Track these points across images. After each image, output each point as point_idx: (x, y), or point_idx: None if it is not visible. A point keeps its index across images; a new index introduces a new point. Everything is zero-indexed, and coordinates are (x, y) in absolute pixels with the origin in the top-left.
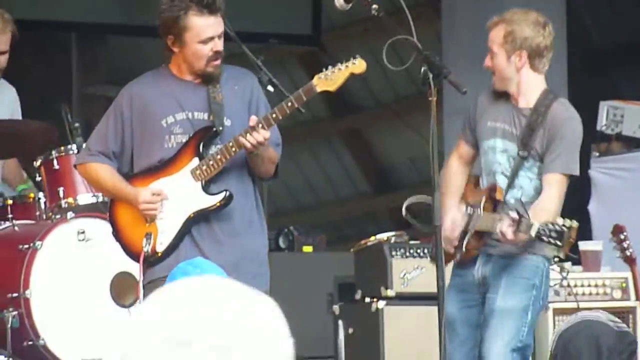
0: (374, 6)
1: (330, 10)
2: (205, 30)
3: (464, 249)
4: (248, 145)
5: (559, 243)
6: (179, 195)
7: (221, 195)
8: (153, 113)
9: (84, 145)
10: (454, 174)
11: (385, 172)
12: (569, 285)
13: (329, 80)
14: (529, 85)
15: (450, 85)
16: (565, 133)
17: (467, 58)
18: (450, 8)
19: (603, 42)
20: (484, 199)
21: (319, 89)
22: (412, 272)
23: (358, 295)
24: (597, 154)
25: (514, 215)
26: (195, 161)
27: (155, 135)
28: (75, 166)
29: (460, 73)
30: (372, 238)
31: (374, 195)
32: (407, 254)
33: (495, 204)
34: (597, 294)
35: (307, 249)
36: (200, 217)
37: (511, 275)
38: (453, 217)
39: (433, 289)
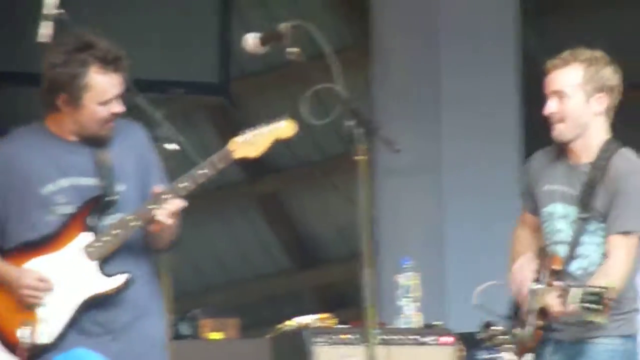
0: (293, 50)
1: (242, 55)
2: (108, 91)
3: (528, 330)
4: (162, 218)
5: (595, 307)
6: (66, 276)
7: (121, 278)
8: (29, 179)
9: None
10: (522, 239)
11: (308, 244)
12: None
13: (250, 144)
14: (598, 134)
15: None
16: (628, 187)
17: (401, 104)
18: (382, 52)
19: None
20: (548, 273)
21: (236, 156)
22: None
23: None
24: None
25: (560, 284)
26: (86, 236)
27: (32, 205)
28: None
29: (395, 124)
30: (292, 322)
31: (297, 271)
32: (334, 340)
33: (557, 277)
34: None
35: (216, 335)
36: (94, 303)
37: None
38: (521, 264)
39: None
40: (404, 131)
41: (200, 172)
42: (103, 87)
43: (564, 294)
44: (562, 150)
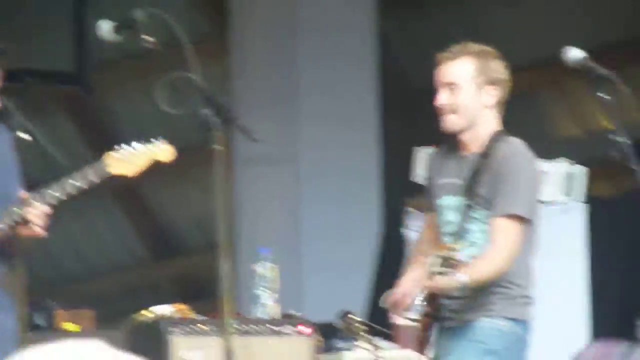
0: (148, 38)
1: (98, 44)
2: None
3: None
4: (35, 219)
5: (445, 270)
6: None
7: None
8: None
9: None
10: (420, 244)
11: (166, 235)
12: None
13: (126, 162)
14: (488, 126)
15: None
16: (510, 170)
17: (261, 97)
18: (240, 43)
19: (421, 81)
20: (438, 262)
21: (113, 172)
22: (195, 352)
23: None
24: (412, 210)
25: (441, 254)
26: None
27: None
28: None
29: (254, 115)
30: (148, 313)
31: (154, 263)
32: (190, 331)
33: (448, 266)
34: None
35: (71, 326)
36: None
37: (463, 339)
38: (406, 280)
39: None
40: (262, 121)
41: (72, 182)
42: None
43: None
44: (454, 144)
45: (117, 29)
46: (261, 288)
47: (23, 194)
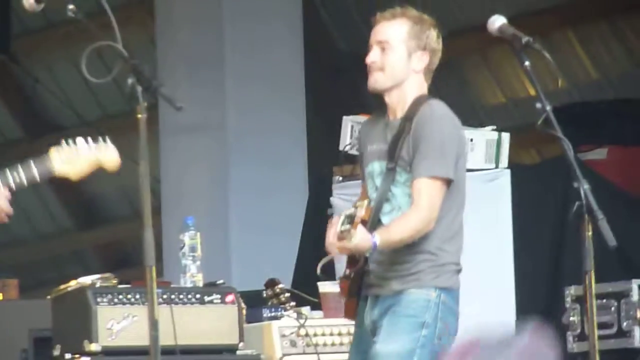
0: (70, 6)
1: (23, 12)
2: None
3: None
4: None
5: (348, 227)
6: None
7: None
8: None
9: None
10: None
11: (90, 204)
12: (307, 335)
13: (70, 164)
14: (413, 91)
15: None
16: (429, 132)
17: (187, 63)
18: (165, 7)
19: (349, 45)
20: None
21: (57, 173)
22: (121, 321)
23: (57, 351)
24: (340, 177)
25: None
26: None
27: None
28: None
29: (180, 81)
30: (73, 282)
31: (79, 231)
32: (116, 300)
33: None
34: (342, 344)
35: None
36: None
37: (394, 314)
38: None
39: (147, 341)
40: (187, 86)
41: (16, 176)
42: None
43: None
44: (383, 111)
45: None
46: (187, 257)
47: None
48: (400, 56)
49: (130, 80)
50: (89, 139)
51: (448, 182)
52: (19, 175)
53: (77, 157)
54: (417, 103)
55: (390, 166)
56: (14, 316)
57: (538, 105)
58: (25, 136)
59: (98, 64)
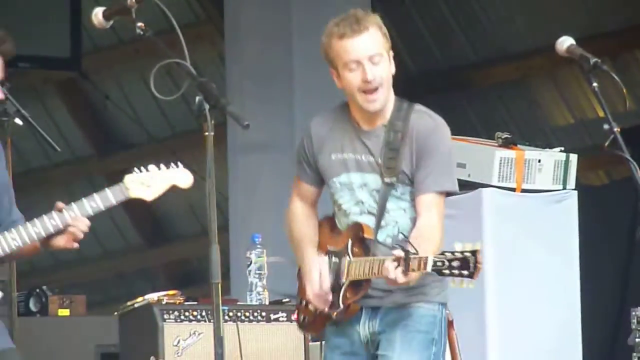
0: (139, 24)
1: (93, 30)
2: None
3: (341, 305)
4: (80, 235)
5: (465, 272)
6: None
7: None
8: None
9: None
10: (304, 219)
11: (160, 221)
12: None
13: (145, 186)
14: (392, 95)
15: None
16: (434, 145)
17: (255, 81)
18: (233, 26)
19: (417, 67)
20: (350, 243)
21: (132, 195)
22: (187, 338)
23: None
24: None
25: (399, 253)
26: None
27: None
28: None
29: (247, 99)
30: (140, 299)
31: (147, 249)
32: (182, 317)
33: (365, 246)
34: None
35: (63, 312)
36: None
37: (407, 329)
38: (320, 270)
39: (212, 358)
40: (256, 107)
41: (93, 204)
42: None
43: (402, 263)
44: (342, 116)
45: (107, 16)
46: (255, 275)
47: (59, 204)
48: (388, 65)
49: (197, 98)
50: (162, 165)
51: (451, 194)
52: (96, 203)
53: (150, 180)
54: (400, 109)
55: (389, 181)
56: (81, 332)
57: (606, 126)
58: (95, 153)
59: (167, 82)
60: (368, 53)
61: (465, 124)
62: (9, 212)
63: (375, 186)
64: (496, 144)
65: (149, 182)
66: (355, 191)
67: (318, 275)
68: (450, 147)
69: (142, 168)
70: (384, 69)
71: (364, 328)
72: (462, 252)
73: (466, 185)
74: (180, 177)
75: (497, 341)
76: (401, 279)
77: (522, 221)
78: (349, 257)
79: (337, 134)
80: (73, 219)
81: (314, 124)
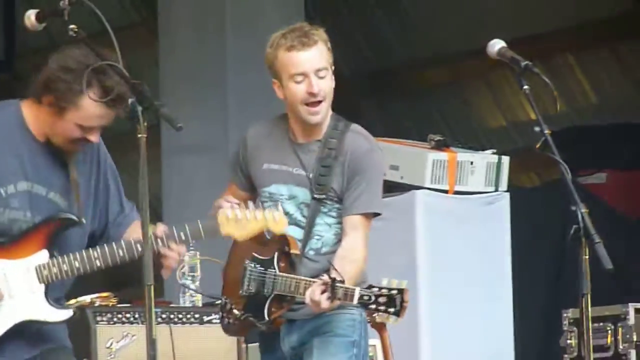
0: (71, 26)
1: (27, 32)
2: (92, 120)
3: (266, 317)
4: (173, 264)
5: (391, 310)
6: (15, 290)
7: (68, 313)
8: None
9: None
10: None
11: None
12: None
13: (239, 224)
14: (329, 111)
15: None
16: (367, 167)
17: (190, 84)
18: (168, 29)
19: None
20: (276, 255)
21: (223, 232)
22: (120, 340)
23: None
24: None
25: (326, 279)
26: (44, 255)
27: None
28: None
29: (183, 102)
30: (73, 300)
31: None
32: (115, 319)
33: (292, 262)
34: None
35: None
36: (29, 328)
37: (324, 335)
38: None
39: None
40: (190, 109)
41: (182, 234)
42: (89, 114)
43: (328, 289)
44: (279, 127)
45: (40, 18)
46: (186, 276)
47: (159, 230)
48: (331, 80)
49: (130, 100)
50: (260, 204)
51: (377, 216)
52: (185, 233)
53: (244, 219)
54: (336, 127)
55: (319, 197)
56: None
57: (537, 128)
58: None
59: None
60: (315, 66)
61: (398, 125)
62: (113, 213)
63: (304, 200)
64: (429, 146)
65: (242, 222)
66: (284, 203)
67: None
68: (381, 170)
69: (241, 204)
70: (327, 83)
71: (285, 344)
72: (389, 289)
73: (399, 187)
74: (275, 223)
75: (429, 342)
76: (325, 304)
77: (454, 223)
78: (276, 271)
79: (272, 144)
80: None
81: (250, 132)
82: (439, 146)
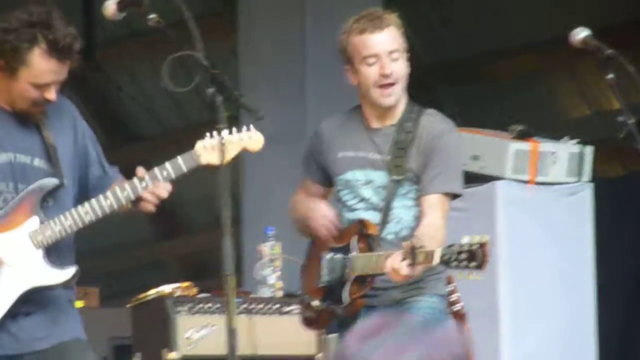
0: (152, 16)
1: (106, 21)
2: (44, 76)
3: (347, 299)
4: (152, 203)
5: (473, 264)
6: (14, 260)
7: (71, 272)
8: None
9: None
10: (306, 197)
11: (172, 213)
12: None
13: (216, 150)
14: (404, 96)
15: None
16: (444, 147)
17: (268, 77)
18: (248, 20)
19: (430, 59)
20: (355, 239)
21: (203, 161)
22: (200, 330)
23: (137, 359)
24: None
25: (407, 245)
26: (35, 221)
27: None
28: None
29: (260, 94)
30: (153, 291)
31: (159, 241)
32: (195, 309)
33: (370, 243)
34: None
35: (77, 304)
36: (37, 294)
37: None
38: (322, 206)
39: (225, 350)
40: (269, 99)
41: (165, 173)
42: (41, 70)
43: (409, 256)
44: (353, 116)
45: (120, 7)
46: (267, 268)
47: (140, 170)
48: (405, 64)
49: (210, 90)
50: (234, 128)
51: (457, 197)
52: (167, 171)
53: (222, 146)
54: (411, 111)
55: (397, 178)
56: (94, 324)
57: (620, 118)
58: (107, 145)
59: (181, 74)
60: (388, 48)
61: (479, 115)
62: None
63: (381, 183)
64: (511, 136)
65: (219, 147)
66: (361, 188)
67: (324, 206)
68: (459, 151)
69: (213, 133)
70: (401, 66)
71: None
72: (469, 245)
73: (479, 178)
74: (251, 140)
75: (509, 334)
76: (405, 271)
77: (535, 214)
78: (356, 253)
79: (346, 133)
80: (155, 185)
81: (323, 124)
82: (521, 136)
